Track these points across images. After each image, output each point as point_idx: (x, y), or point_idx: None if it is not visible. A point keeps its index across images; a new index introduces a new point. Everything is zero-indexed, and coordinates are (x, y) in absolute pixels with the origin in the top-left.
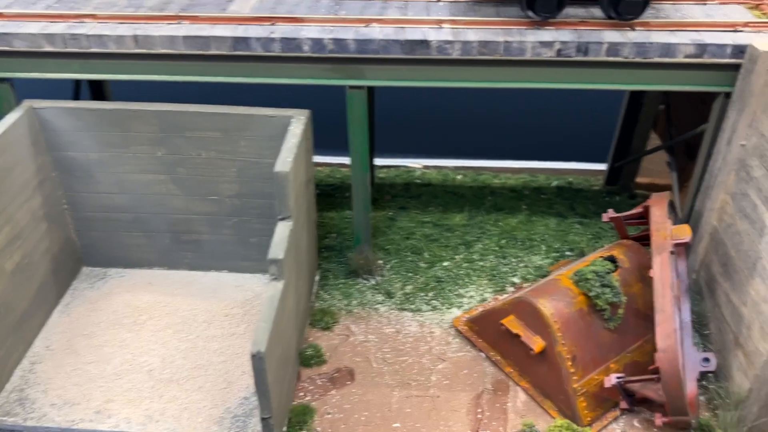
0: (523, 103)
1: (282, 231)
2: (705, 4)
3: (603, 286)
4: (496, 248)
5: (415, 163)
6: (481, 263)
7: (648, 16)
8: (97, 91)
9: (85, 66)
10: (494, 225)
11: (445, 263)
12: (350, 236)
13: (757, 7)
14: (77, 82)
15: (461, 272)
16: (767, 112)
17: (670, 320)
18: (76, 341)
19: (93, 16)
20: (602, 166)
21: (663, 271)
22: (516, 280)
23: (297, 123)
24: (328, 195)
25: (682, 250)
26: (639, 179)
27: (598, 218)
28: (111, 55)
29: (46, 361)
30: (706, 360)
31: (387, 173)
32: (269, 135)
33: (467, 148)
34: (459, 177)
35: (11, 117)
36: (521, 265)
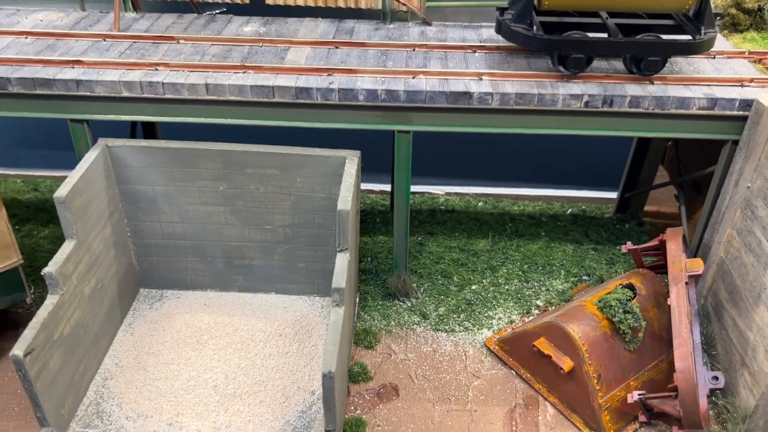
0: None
1: (342, 262)
2: (714, 58)
3: (625, 312)
4: (520, 273)
5: (438, 190)
6: (507, 287)
7: (665, 70)
8: (149, 129)
9: (159, 110)
10: (516, 251)
11: (474, 286)
12: (384, 260)
13: (759, 61)
14: (134, 122)
15: (489, 295)
16: None
17: (687, 344)
18: (143, 359)
19: (166, 65)
20: (613, 194)
21: (679, 300)
22: (540, 303)
23: (350, 163)
24: (361, 221)
25: (693, 279)
26: (647, 208)
27: (611, 245)
28: (183, 101)
29: (117, 377)
30: (715, 378)
31: (413, 200)
32: (323, 173)
33: (485, 173)
34: (480, 204)
35: (91, 155)
36: (543, 288)
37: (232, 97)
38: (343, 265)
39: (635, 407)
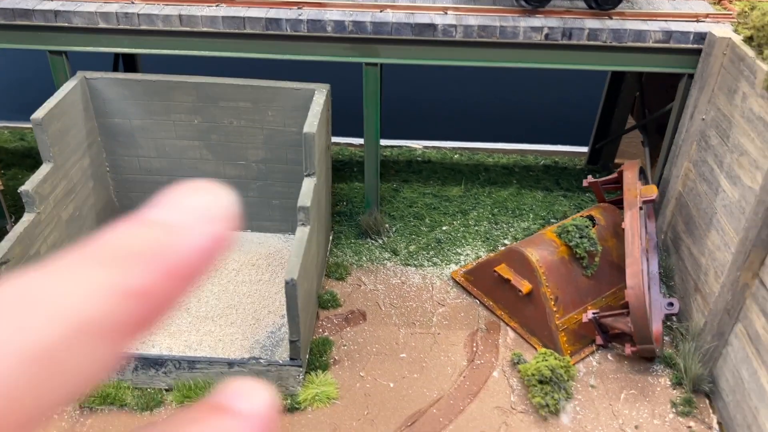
0: (515, 92)
1: (308, 185)
2: None
3: (582, 237)
4: (490, 216)
5: (416, 144)
6: (476, 228)
7: (624, 7)
8: (130, 63)
9: (135, 41)
10: (487, 197)
11: (444, 227)
12: (359, 204)
13: (719, 2)
14: (116, 55)
15: (458, 235)
16: (722, 89)
17: (638, 263)
18: None
19: None
20: (584, 149)
21: (633, 223)
22: (507, 241)
23: (320, 94)
24: (339, 169)
25: (652, 212)
26: (617, 160)
27: (581, 192)
28: (158, 32)
29: None
30: (670, 304)
31: (391, 152)
32: (294, 106)
33: (463, 132)
34: (456, 156)
35: (68, 85)
36: (511, 229)
37: (204, 29)
38: (309, 187)
39: (591, 330)
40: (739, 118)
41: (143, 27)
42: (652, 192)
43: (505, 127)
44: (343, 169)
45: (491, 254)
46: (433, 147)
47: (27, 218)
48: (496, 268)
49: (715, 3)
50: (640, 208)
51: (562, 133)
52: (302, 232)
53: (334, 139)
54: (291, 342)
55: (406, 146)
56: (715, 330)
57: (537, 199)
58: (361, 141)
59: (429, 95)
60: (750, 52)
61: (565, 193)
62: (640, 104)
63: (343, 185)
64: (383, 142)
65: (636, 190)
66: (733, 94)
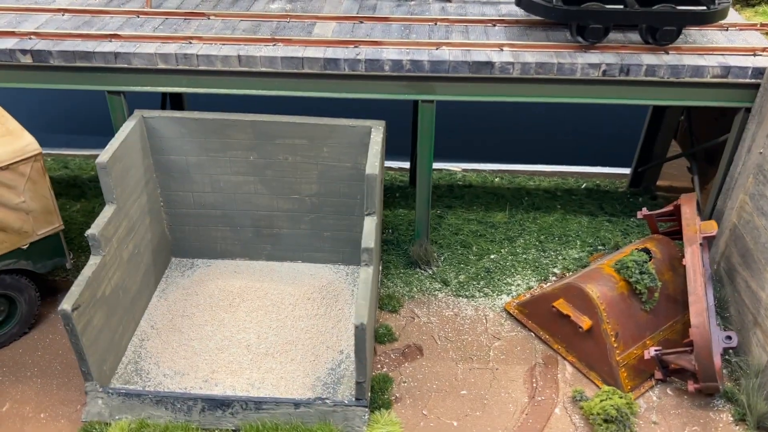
0: (556, 113)
1: (369, 224)
2: (727, 30)
3: (641, 273)
4: (537, 243)
5: (455, 167)
6: (524, 256)
7: (679, 41)
8: (177, 100)
9: (193, 81)
10: (533, 222)
11: (492, 256)
12: (405, 231)
13: None
14: (164, 93)
15: (507, 264)
16: None
17: (702, 301)
18: (178, 321)
19: (199, 38)
20: (626, 170)
21: (694, 259)
22: (557, 270)
23: (376, 132)
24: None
25: (706, 243)
26: (659, 182)
27: (625, 216)
28: (217, 72)
29: (154, 338)
30: (728, 338)
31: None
32: (349, 142)
33: (503, 154)
34: (497, 180)
35: (128, 125)
36: (560, 257)
37: (263, 69)
38: (370, 227)
39: (651, 365)
40: None
41: (202, 67)
42: (712, 228)
43: (545, 147)
44: (386, 195)
45: (544, 285)
46: (473, 170)
47: (93, 261)
48: (554, 304)
49: (767, 34)
50: (700, 244)
51: (603, 154)
52: (366, 273)
53: None
54: (357, 383)
55: (445, 170)
56: None
57: (582, 224)
58: (401, 164)
59: (468, 116)
60: None
61: (610, 218)
62: (687, 131)
63: (388, 212)
64: None
65: (696, 226)
66: None
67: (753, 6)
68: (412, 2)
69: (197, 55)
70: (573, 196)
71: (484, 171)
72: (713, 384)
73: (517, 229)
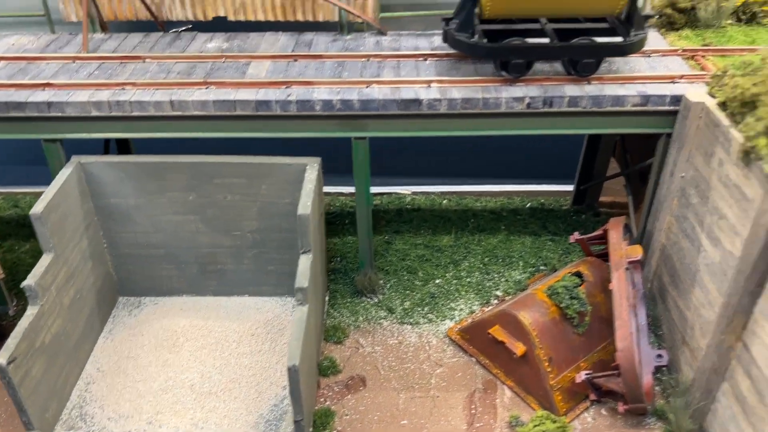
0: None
1: (304, 263)
2: (650, 56)
3: (571, 298)
4: (481, 265)
5: (405, 190)
6: (468, 279)
7: (603, 70)
8: (123, 143)
9: (128, 126)
10: (478, 245)
11: (437, 280)
12: (353, 259)
13: (692, 58)
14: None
15: (451, 288)
16: (699, 151)
17: (627, 325)
18: (123, 363)
19: (132, 84)
20: (570, 187)
21: (620, 284)
22: (499, 293)
23: (311, 169)
24: (331, 222)
25: (638, 264)
26: (602, 198)
27: (567, 235)
28: (151, 117)
29: (99, 381)
30: (659, 356)
31: (380, 200)
32: (286, 180)
33: (451, 173)
34: (445, 202)
35: (64, 173)
36: (503, 279)
37: (195, 112)
38: (305, 265)
39: (585, 387)
40: (717, 182)
41: (135, 113)
42: (637, 253)
43: (491, 165)
44: (335, 222)
45: (485, 309)
46: (422, 192)
47: (31, 312)
48: (490, 331)
49: (689, 59)
50: (627, 269)
51: (548, 170)
52: (301, 312)
53: (324, 189)
54: (295, 422)
55: (395, 193)
56: (703, 387)
57: (525, 245)
58: (351, 189)
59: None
60: (724, 119)
61: (553, 237)
62: (621, 152)
63: (336, 240)
64: (372, 189)
65: (621, 251)
66: (710, 157)
67: (677, 30)
68: (348, 37)
69: (130, 102)
70: (518, 216)
71: (433, 193)
72: (640, 405)
73: (462, 252)
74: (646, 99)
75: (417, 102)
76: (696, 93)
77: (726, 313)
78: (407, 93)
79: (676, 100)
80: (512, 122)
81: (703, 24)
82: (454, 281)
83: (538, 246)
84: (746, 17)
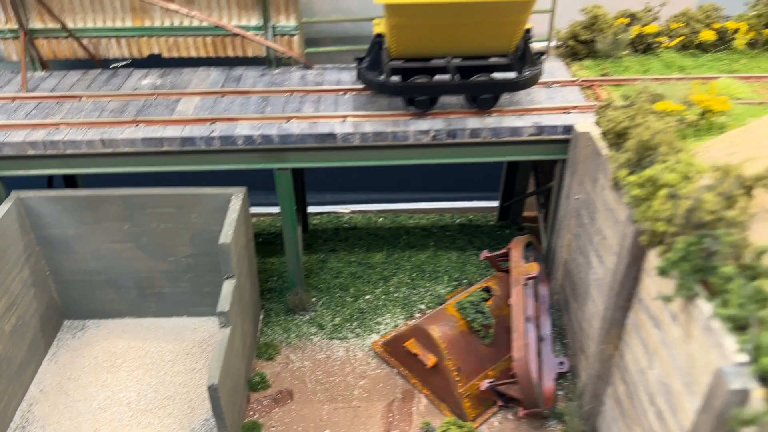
0: None
1: (227, 288)
2: (550, 87)
3: (477, 312)
4: (409, 281)
5: (344, 209)
6: (396, 294)
7: (504, 102)
8: (69, 177)
9: (63, 163)
10: (408, 261)
11: (367, 296)
12: (288, 279)
13: (589, 87)
14: None
15: (380, 303)
16: (588, 177)
17: (522, 337)
18: (65, 383)
19: (67, 123)
20: (497, 203)
21: (518, 299)
22: (423, 307)
23: (236, 199)
24: (270, 243)
25: (545, 277)
26: (526, 213)
27: (492, 250)
28: (83, 155)
29: (42, 402)
30: (561, 363)
31: (320, 220)
32: (214, 208)
33: (388, 192)
34: (380, 219)
35: (3, 207)
36: (428, 294)
37: (125, 149)
38: (228, 290)
39: (489, 394)
40: (601, 205)
41: (69, 152)
42: (533, 269)
43: (426, 182)
44: (274, 242)
45: (408, 322)
46: (360, 211)
47: None
48: (405, 344)
49: (586, 88)
50: (525, 284)
51: (477, 187)
52: (223, 334)
53: (264, 210)
54: None
55: (334, 212)
56: (592, 392)
57: (452, 260)
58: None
59: None
60: (604, 148)
61: (477, 252)
62: (534, 173)
63: (274, 260)
64: (312, 209)
65: (521, 268)
66: (595, 182)
67: (580, 60)
68: (276, 71)
69: (63, 142)
70: (447, 232)
71: (371, 212)
72: (537, 410)
73: (393, 268)
74: (541, 129)
75: (332, 136)
76: (584, 124)
77: (604, 324)
78: (323, 128)
79: (568, 129)
80: (420, 153)
81: (602, 54)
82: (383, 297)
83: (463, 261)
84: (642, 47)
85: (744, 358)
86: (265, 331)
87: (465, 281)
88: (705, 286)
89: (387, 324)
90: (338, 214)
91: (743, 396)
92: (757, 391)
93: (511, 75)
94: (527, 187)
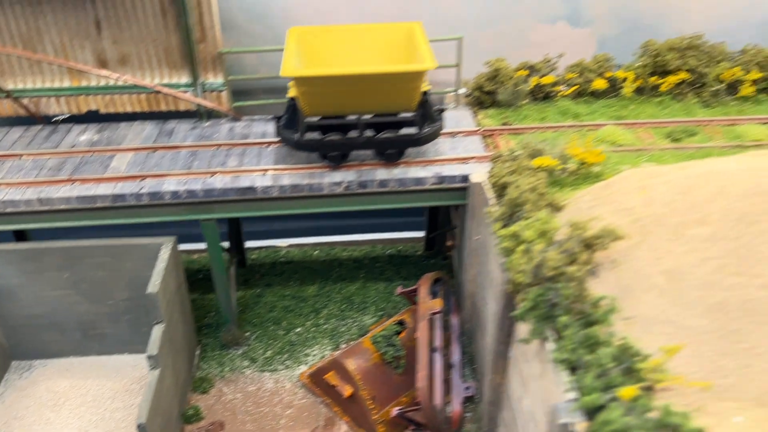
0: None
1: (156, 332)
2: (455, 137)
3: (388, 345)
4: (338, 312)
5: (281, 243)
6: (325, 326)
7: (411, 153)
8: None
9: (3, 220)
10: (339, 292)
11: (298, 329)
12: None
13: (491, 136)
14: None
15: (309, 335)
16: (482, 221)
17: (425, 368)
18: (11, 423)
19: (7, 184)
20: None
21: (422, 333)
22: (348, 337)
23: (165, 249)
24: (208, 278)
25: (456, 307)
26: (449, 243)
27: (416, 279)
28: (22, 213)
29: None
30: (467, 388)
31: (258, 254)
32: (146, 257)
33: (324, 227)
34: (316, 252)
35: None
36: (355, 325)
37: (61, 207)
38: (156, 335)
39: (400, 420)
40: (491, 247)
41: (9, 210)
42: (437, 306)
43: (359, 217)
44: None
45: (334, 354)
46: (297, 245)
47: None
48: (325, 376)
49: (487, 137)
50: (431, 319)
51: (408, 219)
52: (153, 376)
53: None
54: None
55: (271, 246)
56: (488, 416)
57: (380, 291)
58: (227, 244)
59: None
60: (492, 198)
61: (404, 282)
62: (453, 209)
63: (212, 296)
64: (251, 244)
65: (426, 304)
66: (487, 227)
67: (486, 108)
68: (206, 124)
69: (2, 201)
70: (377, 263)
71: (307, 245)
72: None
73: (324, 300)
74: (442, 179)
75: (252, 189)
76: (478, 174)
77: (493, 356)
78: (245, 181)
79: (464, 179)
80: (334, 202)
81: (505, 104)
82: (313, 329)
83: (390, 291)
84: (541, 96)
85: (573, 395)
86: (201, 365)
87: (393, 311)
88: (555, 331)
89: (315, 355)
90: (276, 248)
91: (570, 429)
92: (580, 425)
93: (414, 131)
94: (449, 220)
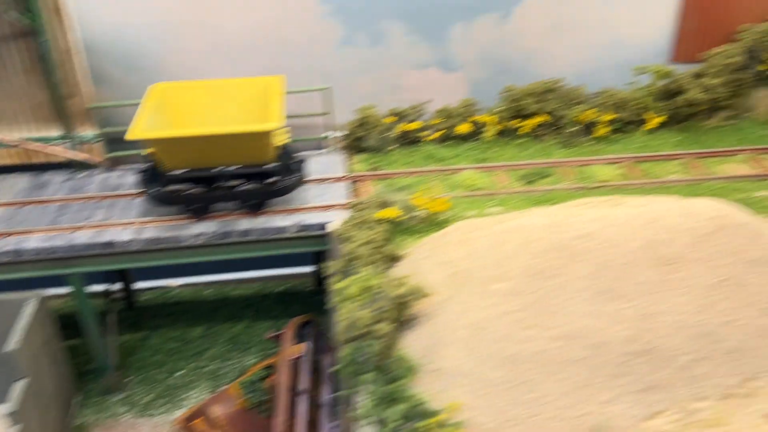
0: None
1: (17, 390)
2: (323, 183)
3: (252, 392)
4: (221, 354)
5: (173, 282)
6: (207, 368)
7: (277, 200)
8: None
9: None
10: (225, 333)
11: (180, 372)
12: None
13: (359, 181)
14: None
15: (190, 379)
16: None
17: (283, 413)
18: None
19: None
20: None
21: (283, 378)
22: (228, 379)
23: (28, 305)
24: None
25: (329, 347)
26: None
27: (278, 329)
28: None
29: None
30: (336, 426)
31: (149, 295)
32: (12, 313)
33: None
34: (207, 291)
35: None
36: (236, 366)
37: None
38: (17, 392)
39: None
40: None
41: None
42: (297, 351)
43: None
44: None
45: (207, 399)
46: (189, 284)
47: None
48: (194, 422)
49: (354, 182)
50: (294, 364)
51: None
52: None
53: (96, 288)
54: None
55: (163, 287)
56: None
57: (265, 330)
58: (118, 286)
59: None
60: (344, 247)
61: (276, 326)
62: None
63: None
64: (141, 284)
65: (288, 351)
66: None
67: (358, 153)
68: (81, 174)
69: None
70: (266, 301)
71: (199, 284)
72: None
73: (209, 342)
74: (304, 227)
75: (112, 244)
76: (335, 222)
77: (343, 400)
78: (106, 236)
79: (323, 226)
80: (195, 252)
81: (374, 149)
82: (195, 371)
83: (276, 329)
84: (409, 141)
85: None
86: (81, 412)
87: (270, 353)
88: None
89: (194, 398)
90: (167, 289)
91: None
92: None
93: (273, 181)
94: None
